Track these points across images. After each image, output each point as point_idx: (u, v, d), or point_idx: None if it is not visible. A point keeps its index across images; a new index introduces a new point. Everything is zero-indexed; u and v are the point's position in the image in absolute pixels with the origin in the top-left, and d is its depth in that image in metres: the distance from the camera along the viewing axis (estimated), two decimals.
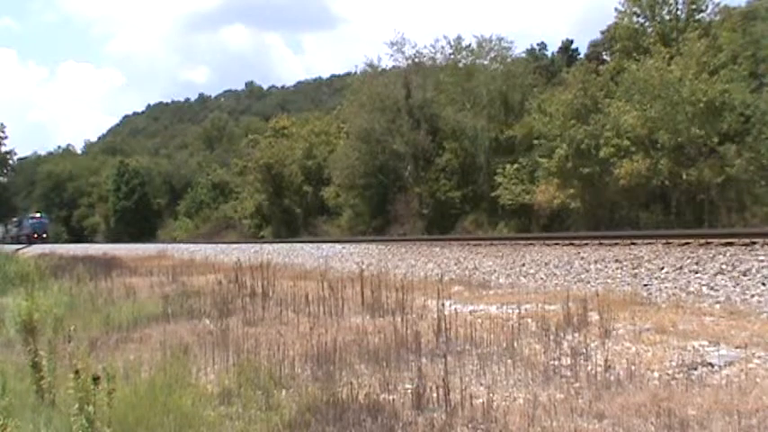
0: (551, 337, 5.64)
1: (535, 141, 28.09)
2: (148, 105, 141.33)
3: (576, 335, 5.77)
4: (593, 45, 36.54)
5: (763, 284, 7.56)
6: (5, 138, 63.74)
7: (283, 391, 4.65)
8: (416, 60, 36.68)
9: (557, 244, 12.59)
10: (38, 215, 72.47)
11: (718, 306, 7.14)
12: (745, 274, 7.96)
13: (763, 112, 22.31)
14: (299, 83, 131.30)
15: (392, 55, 36.83)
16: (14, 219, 78.17)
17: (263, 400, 4.44)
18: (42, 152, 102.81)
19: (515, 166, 29.73)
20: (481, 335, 5.89)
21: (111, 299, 10.32)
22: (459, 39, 36.39)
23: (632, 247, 10.75)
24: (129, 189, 65.20)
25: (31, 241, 62.04)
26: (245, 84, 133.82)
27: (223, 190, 57.95)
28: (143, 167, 69.72)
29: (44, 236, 67.58)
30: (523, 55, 38.09)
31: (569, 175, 26.09)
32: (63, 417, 3.94)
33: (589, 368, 4.73)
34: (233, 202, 53.36)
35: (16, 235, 73.37)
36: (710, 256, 8.91)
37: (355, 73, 42.42)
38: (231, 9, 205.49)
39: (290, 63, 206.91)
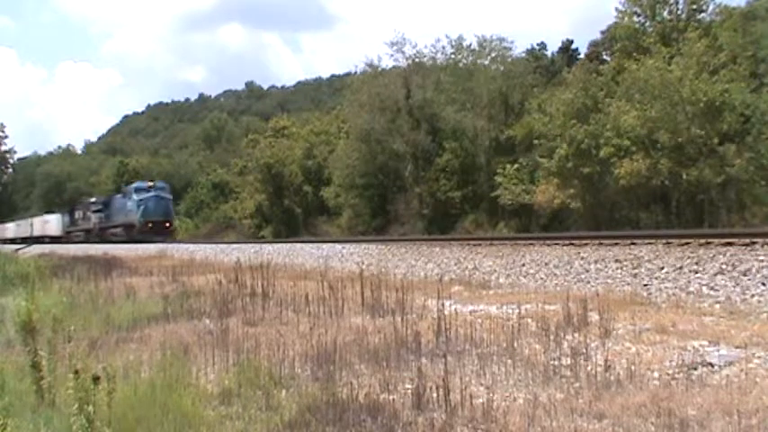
0: (551, 337, 5.64)
1: (535, 141, 28.11)
2: (148, 105, 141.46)
3: (576, 335, 5.76)
4: (593, 45, 36.53)
5: (763, 284, 7.55)
6: (5, 137, 63.80)
7: (283, 391, 4.65)
8: (416, 60, 36.74)
9: (557, 244, 12.57)
10: (150, 183, 40.14)
11: (718, 306, 7.14)
12: (745, 274, 7.94)
13: (763, 112, 22.33)
14: (298, 83, 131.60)
15: (392, 55, 36.97)
16: (92, 199, 47.74)
17: (263, 400, 4.43)
18: (42, 152, 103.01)
19: (515, 166, 29.77)
20: (481, 335, 5.88)
21: (111, 299, 10.31)
22: (460, 39, 36.52)
23: (632, 247, 10.73)
24: None
25: (134, 239, 34.70)
26: (245, 84, 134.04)
27: (223, 190, 58.01)
28: (143, 167, 69.75)
29: (167, 227, 37.54)
30: (523, 55, 38.15)
31: (569, 175, 26.11)
32: (63, 417, 3.94)
33: (589, 368, 4.73)
34: (233, 202, 53.39)
35: (97, 228, 42.46)
36: (710, 256, 8.90)
37: (355, 73, 42.52)
38: (228, 8, 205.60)
39: (289, 63, 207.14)
